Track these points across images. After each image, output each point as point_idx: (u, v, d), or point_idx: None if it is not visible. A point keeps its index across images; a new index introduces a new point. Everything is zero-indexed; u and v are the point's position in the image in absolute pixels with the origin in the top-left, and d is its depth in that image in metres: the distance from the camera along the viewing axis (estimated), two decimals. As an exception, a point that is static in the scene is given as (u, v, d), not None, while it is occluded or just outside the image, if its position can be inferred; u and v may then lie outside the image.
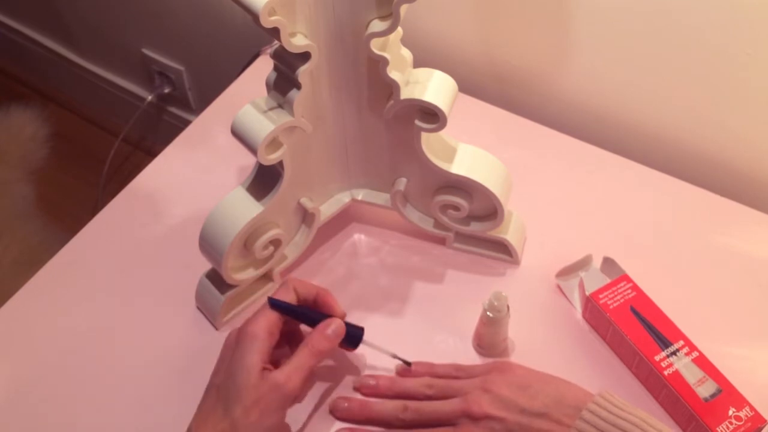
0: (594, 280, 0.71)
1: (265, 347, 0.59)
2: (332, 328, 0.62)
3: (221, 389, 0.58)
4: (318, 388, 0.67)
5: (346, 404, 0.65)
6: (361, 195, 0.76)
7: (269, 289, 0.74)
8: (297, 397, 0.62)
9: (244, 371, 0.57)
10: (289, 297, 0.63)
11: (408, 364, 0.67)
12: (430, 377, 0.66)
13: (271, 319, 0.61)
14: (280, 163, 0.64)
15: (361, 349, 0.65)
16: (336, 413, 0.65)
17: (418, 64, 0.66)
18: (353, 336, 0.64)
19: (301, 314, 0.64)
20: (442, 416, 0.62)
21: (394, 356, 0.67)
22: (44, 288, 0.75)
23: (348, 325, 0.64)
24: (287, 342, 0.65)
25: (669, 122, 0.86)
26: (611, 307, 0.68)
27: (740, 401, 0.62)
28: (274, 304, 0.62)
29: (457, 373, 0.66)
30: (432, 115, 0.65)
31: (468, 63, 0.95)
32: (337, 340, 0.62)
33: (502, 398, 0.60)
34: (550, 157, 0.86)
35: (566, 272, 0.74)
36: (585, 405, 0.57)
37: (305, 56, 0.59)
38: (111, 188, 1.46)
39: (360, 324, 0.65)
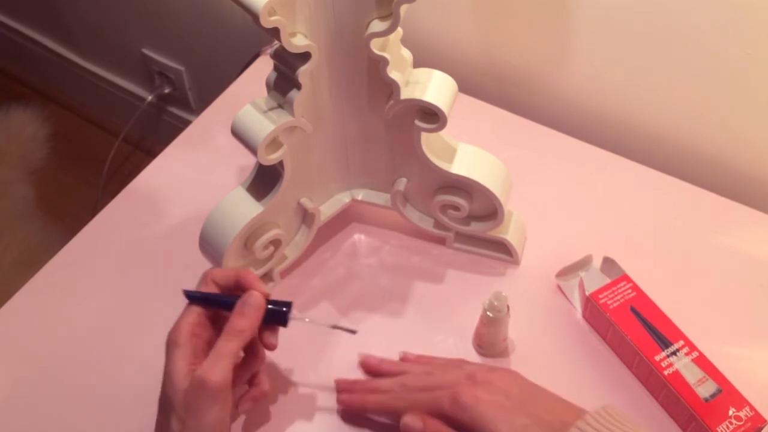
0: (594, 280, 0.71)
1: (188, 351, 0.56)
2: (247, 302, 0.58)
3: (160, 403, 0.57)
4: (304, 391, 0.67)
5: (349, 382, 0.66)
6: (361, 195, 0.76)
7: (269, 290, 0.74)
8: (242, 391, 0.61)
9: (169, 381, 0.55)
10: (209, 290, 0.60)
11: (353, 332, 0.62)
12: (428, 364, 0.66)
13: (191, 320, 0.58)
14: (280, 163, 0.64)
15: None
16: (339, 389, 0.66)
17: (418, 64, 0.66)
18: (278, 312, 0.59)
19: (220, 302, 0.59)
20: (444, 383, 0.60)
21: (335, 327, 0.63)
22: (44, 288, 0.75)
23: (271, 301, 0.59)
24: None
25: (669, 122, 0.86)
26: (611, 307, 0.68)
27: (740, 401, 0.62)
28: (189, 296, 0.59)
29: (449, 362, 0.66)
30: (432, 115, 0.65)
31: (468, 63, 0.95)
32: (256, 314, 0.58)
33: (503, 376, 0.60)
34: (550, 157, 0.86)
35: (566, 272, 0.74)
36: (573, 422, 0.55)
37: (305, 56, 0.59)
38: (111, 188, 1.46)
39: (360, 324, 0.65)
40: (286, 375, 0.68)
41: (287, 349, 0.64)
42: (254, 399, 0.62)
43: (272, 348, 0.61)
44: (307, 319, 0.63)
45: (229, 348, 0.56)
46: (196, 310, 0.59)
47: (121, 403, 0.67)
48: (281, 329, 0.61)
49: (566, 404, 0.58)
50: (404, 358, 0.68)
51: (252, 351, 0.62)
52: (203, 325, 0.59)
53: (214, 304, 0.60)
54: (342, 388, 0.66)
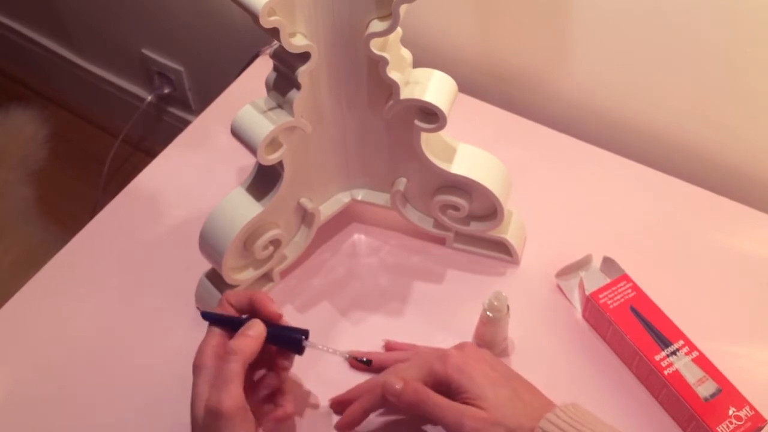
0: (594, 280, 0.71)
1: (213, 374, 0.56)
2: (249, 326, 0.58)
3: (191, 427, 0.57)
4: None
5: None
6: (361, 195, 0.76)
7: (269, 290, 0.74)
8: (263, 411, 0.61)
9: (194, 405, 0.55)
10: (226, 312, 0.60)
11: (368, 363, 0.64)
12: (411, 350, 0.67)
13: (213, 343, 0.58)
14: (280, 163, 0.64)
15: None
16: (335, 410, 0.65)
17: (418, 64, 0.66)
18: (294, 340, 0.59)
19: (234, 323, 0.59)
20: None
21: (352, 357, 0.63)
22: (44, 289, 0.75)
23: (287, 328, 0.60)
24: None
25: (669, 122, 0.86)
26: (611, 306, 0.68)
27: (740, 401, 0.62)
28: (205, 316, 0.59)
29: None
30: (432, 115, 0.65)
31: (468, 63, 0.95)
32: (257, 341, 0.57)
33: (490, 354, 0.62)
34: (550, 157, 0.86)
35: (566, 272, 0.74)
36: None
37: (305, 56, 0.59)
38: (111, 189, 1.46)
39: (360, 324, 0.65)
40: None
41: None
42: (277, 420, 0.61)
43: (286, 370, 0.61)
44: (321, 347, 0.62)
45: (231, 369, 0.55)
46: (218, 332, 0.59)
47: (121, 404, 0.67)
48: None
49: (543, 395, 0.59)
50: (388, 345, 0.69)
51: (269, 368, 0.62)
52: (225, 347, 0.58)
53: (229, 325, 0.59)
54: (337, 408, 0.65)
